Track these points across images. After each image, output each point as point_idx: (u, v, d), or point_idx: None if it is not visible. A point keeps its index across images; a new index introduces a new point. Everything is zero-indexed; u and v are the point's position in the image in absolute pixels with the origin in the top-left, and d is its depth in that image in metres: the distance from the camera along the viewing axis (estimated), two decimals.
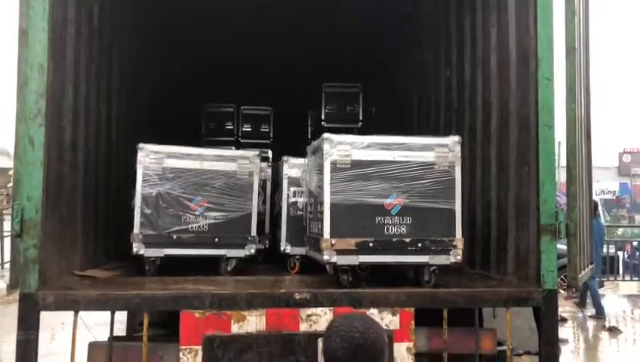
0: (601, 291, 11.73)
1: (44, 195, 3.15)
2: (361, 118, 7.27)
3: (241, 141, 7.70)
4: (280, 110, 7.86)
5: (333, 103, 7.32)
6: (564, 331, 8.45)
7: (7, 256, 12.43)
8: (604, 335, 8.58)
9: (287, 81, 7.32)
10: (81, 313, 3.17)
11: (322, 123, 7.10)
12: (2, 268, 12.05)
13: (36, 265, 3.08)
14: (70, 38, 3.70)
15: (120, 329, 4.52)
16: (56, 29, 3.38)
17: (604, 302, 10.66)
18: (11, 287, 3.14)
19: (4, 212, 19.83)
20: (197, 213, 4.02)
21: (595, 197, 17.26)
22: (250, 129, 7.97)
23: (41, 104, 3.14)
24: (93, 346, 3.29)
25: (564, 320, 9.06)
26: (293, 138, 7.39)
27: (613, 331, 8.63)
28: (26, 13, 3.17)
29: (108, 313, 3.26)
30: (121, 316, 4.52)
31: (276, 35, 6.74)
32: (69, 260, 3.69)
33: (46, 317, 3.18)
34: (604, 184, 36.13)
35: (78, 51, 3.83)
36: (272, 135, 7.90)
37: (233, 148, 7.03)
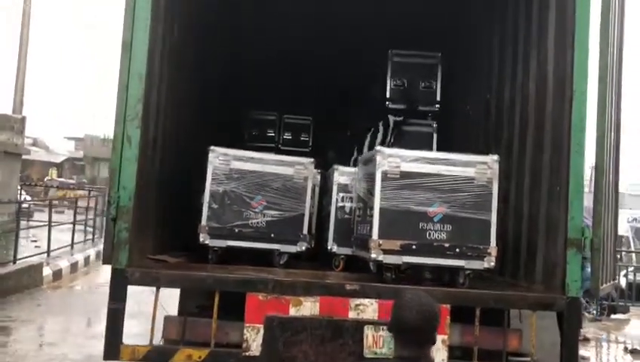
0: (625, 316, 11.92)
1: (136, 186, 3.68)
2: (439, 98, 5.98)
3: (282, 148, 8.16)
4: (319, 120, 8.27)
5: (402, 77, 6.02)
6: (587, 350, 8.70)
7: (53, 244, 13.09)
8: (627, 357, 8.80)
9: (327, 94, 7.72)
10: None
11: (387, 103, 6.08)
12: (48, 255, 12.70)
13: (127, 246, 3.61)
14: (158, 50, 4.24)
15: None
16: (151, 43, 3.91)
17: (628, 327, 10.85)
18: (104, 263, 3.66)
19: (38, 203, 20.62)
20: (257, 210, 4.50)
21: (626, 225, 17.27)
22: (290, 137, 8.43)
23: (138, 108, 3.68)
24: (168, 319, 3.79)
25: (587, 339, 9.29)
26: (330, 147, 7.85)
27: (635, 353, 8.84)
28: (130, 27, 3.71)
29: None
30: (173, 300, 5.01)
31: (321, 49, 7.13)
32: (145, 245, 4.21)
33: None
34: (638, 212, 35.71)
35: (162, 62, 4.37)
36: (311, 143, 8.35)
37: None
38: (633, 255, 14.85)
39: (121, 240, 3.61)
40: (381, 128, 5.97)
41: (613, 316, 11.68)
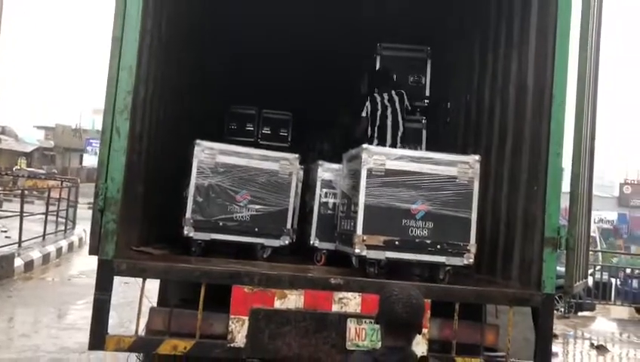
0: (592, 314, 12.31)
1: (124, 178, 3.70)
2: (428, 92, 5.95)
3: (260, 143, 8.17)
4: (300, 115, 8.32)
5: (390, 71, 5.95)
6: (555, 346, 8.96)
7: (24, 235, 12.90)
8: (592, 352, 9.10)
9: (309, 89, 7.77)
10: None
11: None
12: (20, 246, 12.50)
13: (114, 237, 3.62)
14: (146, 45, 4.24)
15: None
16: (141, 36, 3.92)
17: (594, 324, 11.20)
18: (90, 254, 3.67)
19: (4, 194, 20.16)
20: (241, 204, 4.54)
21: (593, 225, 17.88)
22: (269, 132, 8.45)
23: (127, 101, 3.69)
24: (153, 311, 3.82)
25: (555, 336, 9.56)
26: (310, 142, 7.91)
27: (601, 349, 9.15)
28: (121, 20, 3.72)
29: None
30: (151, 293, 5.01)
31: (303, 44, 7.17)
32: (130, 236, 4.22)
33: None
34: (604, 213, 36.75)
35: (150, 56, 4.38)
36: (290, 139, 8.39)
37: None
38: (599, 254, 15.28)
39: (108, 232, 3.62)
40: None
41: (580, 313, 12.07)
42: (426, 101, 5.90)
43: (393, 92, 5.88)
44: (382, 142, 5.59)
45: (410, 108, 5.82)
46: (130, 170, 3.98)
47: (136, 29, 3.72)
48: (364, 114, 5.83)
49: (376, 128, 5.83)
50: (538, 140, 4.15)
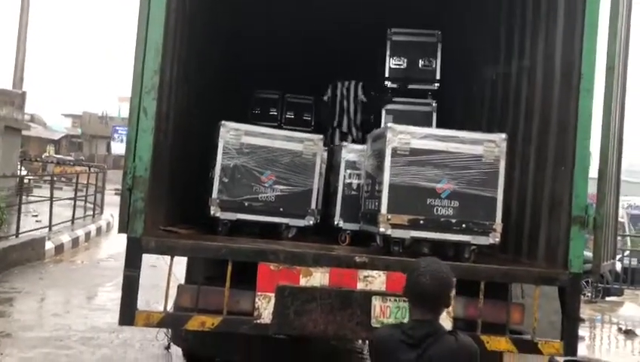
0: (619, 299, 12.13)
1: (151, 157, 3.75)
2: (438, 76, 5.99)
3: (284, 127, 8.19)
4: (322, 100, 8.29)
5: (401, 56, 5.99)
6: (582, 330, 8.86)
7: (54, 219, 13.18)
8: (620, 336, 9.00)
9: (330, 73, 7.74)
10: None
11: (386, 82, 6.04)
12: (50, 230, 12.78)
13: (142, 215, 3.69)
14: (171, 24, 4.27)
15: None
16: (167, 17, 3.96)
17: (622, 309, 11.03)
18: (120, 232, 3.74)
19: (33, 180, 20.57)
20: (266, 184, 4.59)
21: (622, 211, 17.57)
22: (293, 116, 8.46)
23: (155, 80, 3.74)
24: (181, 288, 3.89)
25: (582, 320, 9.46)
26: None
27: (629, 334, 9.04)
28: (147, 3, 3.75)
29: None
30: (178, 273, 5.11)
31: (323, 28, 7.16)
32: (158, 216, 4.29)
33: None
34: (633, 199, 35.97)
35: (175, 37, 4.41)
36: (313, 123, 8.39)
37: None
38: (628, 239, 15.04)
39: (136, 210, 3.69)
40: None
41: (607, 298, 11.91)
42: (436, 84, 5.93)
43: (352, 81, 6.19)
44: (340, 127, 5.79)
45: (364, 99, 5.98)
46: (158, 150, 4.04)
47: (162, 8, 3.75)
48: (325, 98, 6.05)
49: (344, 114, 5.97)
50: (566, 118, 4.09)
